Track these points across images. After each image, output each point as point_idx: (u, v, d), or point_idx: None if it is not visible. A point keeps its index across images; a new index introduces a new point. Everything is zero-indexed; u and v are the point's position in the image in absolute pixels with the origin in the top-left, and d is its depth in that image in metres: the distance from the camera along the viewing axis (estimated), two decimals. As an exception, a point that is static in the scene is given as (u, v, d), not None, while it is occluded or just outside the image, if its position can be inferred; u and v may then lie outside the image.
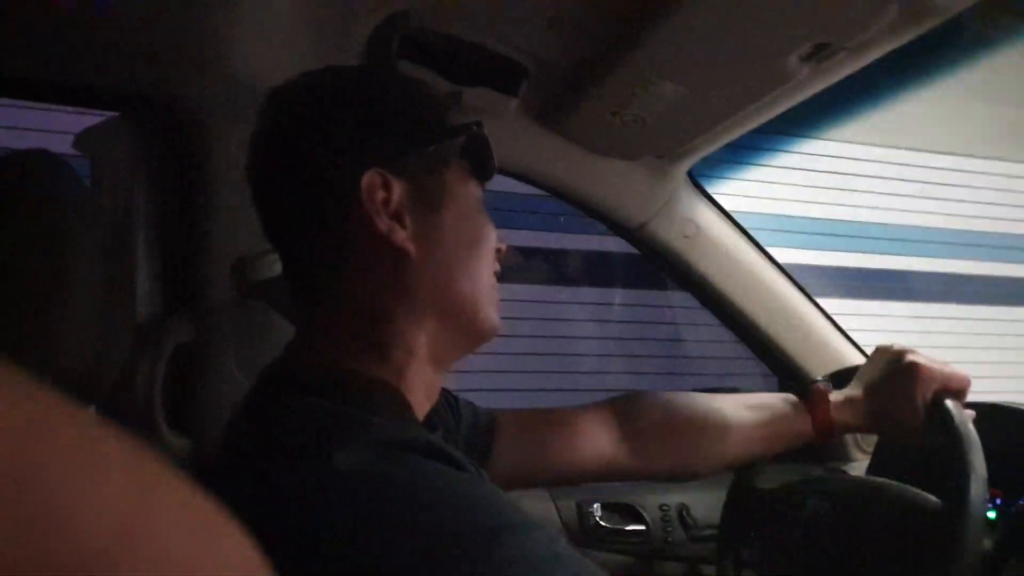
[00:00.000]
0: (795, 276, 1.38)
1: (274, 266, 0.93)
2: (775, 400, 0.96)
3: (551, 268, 4.13)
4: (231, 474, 0.52)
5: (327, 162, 0.60)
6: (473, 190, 0.67)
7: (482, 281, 0.66)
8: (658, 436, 0.92)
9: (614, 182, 1.23)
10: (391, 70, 0.91)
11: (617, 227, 1.30)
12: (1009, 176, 4.90)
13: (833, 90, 0.97)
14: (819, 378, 1.03)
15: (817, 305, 1.39)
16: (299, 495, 0.47)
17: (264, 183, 0.63)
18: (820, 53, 0.87)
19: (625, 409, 0.93)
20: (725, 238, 1.32)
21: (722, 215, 1.33)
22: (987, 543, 0.78)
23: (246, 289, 0.98)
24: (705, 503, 1.27)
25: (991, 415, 0.96)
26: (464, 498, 0.49)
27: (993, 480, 0.79)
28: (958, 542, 0.74)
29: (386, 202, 0.60)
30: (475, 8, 0.91)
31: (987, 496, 0.77)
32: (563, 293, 4.17)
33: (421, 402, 0.63)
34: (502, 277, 0.70)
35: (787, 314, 1.36)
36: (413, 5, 0.90)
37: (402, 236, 0.60)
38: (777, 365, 1.39)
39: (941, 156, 4.80)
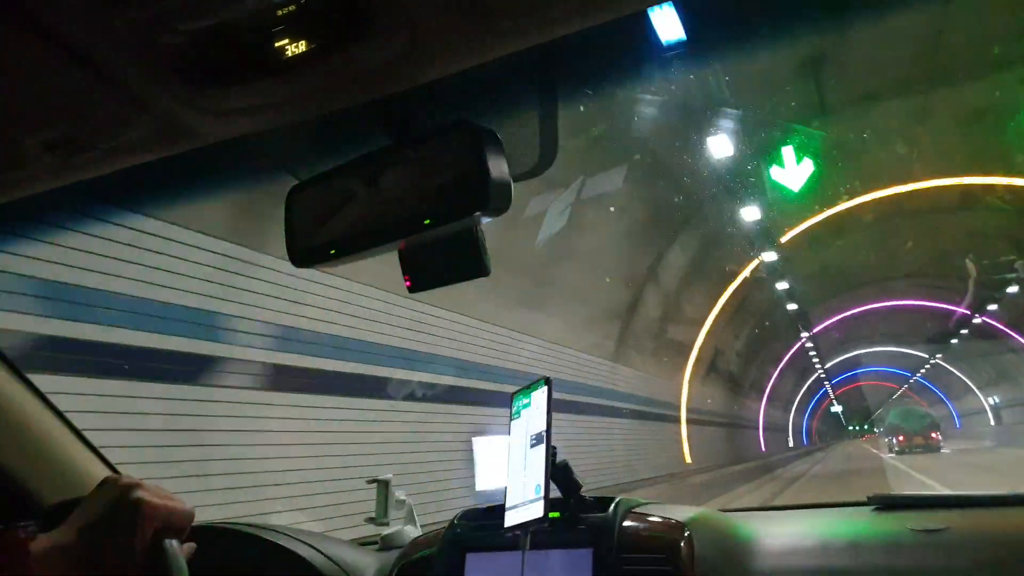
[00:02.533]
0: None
1: None
2: None
3: None
4: None
5: None
6: None
7: None
8: None
9: None
10: None
11: None
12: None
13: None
14: (42, 512, 0.86)
15: (62, 417, 1.21)
16: None
17: None
18: (68, 146, 0.78)
19: None
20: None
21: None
22: None
23: None
24: None
25: (212, 536, 0.98)
26: None
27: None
28: None
29: None
30: None
31: None
32: None
33: None
34: None
35: (15, 428, 1.14)
36: None
37: None
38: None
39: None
